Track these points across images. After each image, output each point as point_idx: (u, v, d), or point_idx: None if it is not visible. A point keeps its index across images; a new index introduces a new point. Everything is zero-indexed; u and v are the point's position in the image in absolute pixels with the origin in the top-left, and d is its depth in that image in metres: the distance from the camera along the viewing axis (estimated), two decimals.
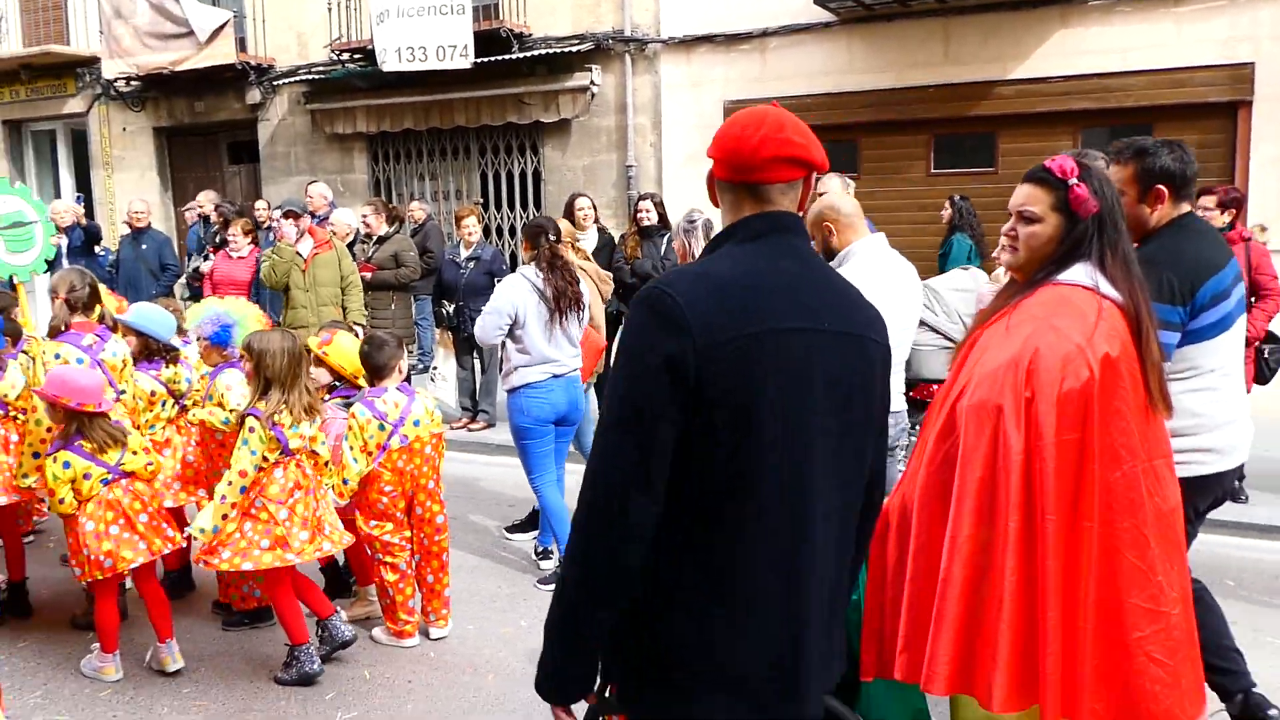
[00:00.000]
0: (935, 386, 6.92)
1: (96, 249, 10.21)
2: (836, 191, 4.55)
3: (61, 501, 4.13)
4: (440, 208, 11.82)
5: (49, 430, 4.53)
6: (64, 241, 9.79)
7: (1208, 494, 3.21)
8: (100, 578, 4.18)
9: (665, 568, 1.87)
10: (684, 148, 10.62)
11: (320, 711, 4.01)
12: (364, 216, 8.79)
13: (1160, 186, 3.10)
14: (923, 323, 6.82)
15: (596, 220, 8.18)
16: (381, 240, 8.65)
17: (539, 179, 11.59)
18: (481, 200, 11.76)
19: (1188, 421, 3.08)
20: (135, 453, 4.32)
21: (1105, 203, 2.41)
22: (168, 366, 5.05)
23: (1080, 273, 2.40)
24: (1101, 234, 2.40)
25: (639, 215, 8.06)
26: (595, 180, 10.98)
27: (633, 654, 1.91)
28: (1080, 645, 2.24)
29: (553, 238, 5.19)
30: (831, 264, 3.99)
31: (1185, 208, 3.17)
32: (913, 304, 4.17)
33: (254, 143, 13.12)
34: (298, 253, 7.45)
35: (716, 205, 2.07)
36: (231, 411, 4.53)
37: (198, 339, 4.78)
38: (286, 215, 7.53)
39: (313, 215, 8.95)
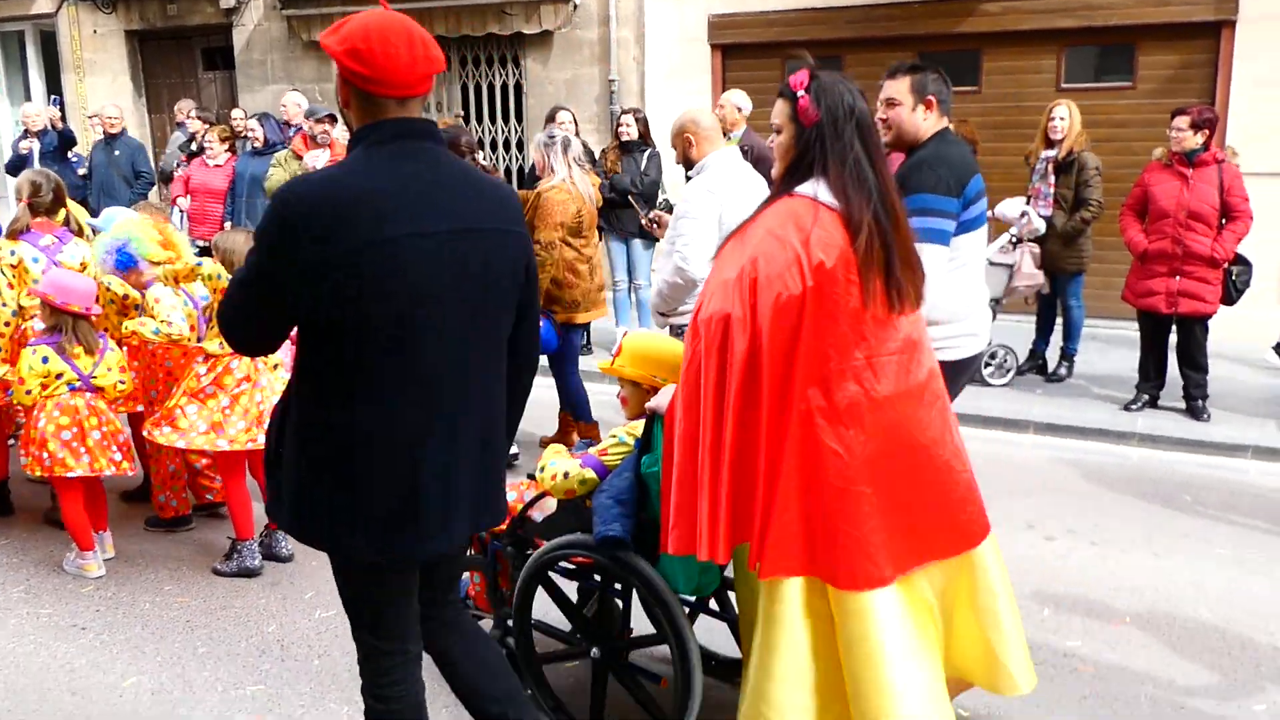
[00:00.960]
0: None
1: (70, 154, 10.05)
2: (701, 107, 5.05)
3: (29, 393, 4.28)
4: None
5: (13, 327, 4.71)
6: (36, 145, 9.65)
7: (968, 373, 3.63)
8: (39, 474, 4.37)
9: (308, 440, 2.21)
10: (667, 61, 10.48)
11: (298, 608, 4.13)
12: (346, 126, 8.67)
13: (930, 97, 3.54)
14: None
15: (578, 134, 8.11)
16: None
17: (520, 92, 11.43)
18: (462, 113, 11.60)
19: (955, 307, 3.45)
20: (110, 369, 4.40)
21: (828, 114, 2.59)
22: None
23: (808, 185, 2.61)
24: (823, 143, 2.59)
25: (620, 130, 8.01)
26: (577, 94, 10.84)
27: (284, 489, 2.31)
28: (785, 512, 2.57)
29: (465, 150, 5.27)
30: (690, 172, 4.44)
31: (946, 122, 3.63)
32: None
33: (229, 49, 12.84)
34: (313, 169, 7.31)
35: (346, 106, 2.24)
36: (163, 322, 4.52)
37: (108, 275, 4.71)
38: (320, 121, 7.37)
39: (288, 125, 8.85)
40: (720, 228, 4.15)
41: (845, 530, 2.56)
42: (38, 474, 4.37)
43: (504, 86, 11.51)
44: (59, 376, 4.29)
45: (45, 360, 4.25)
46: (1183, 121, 6.14)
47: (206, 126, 9.44)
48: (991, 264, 6.91)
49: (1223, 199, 6.11)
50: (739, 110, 7.33)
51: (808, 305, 2.51)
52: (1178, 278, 6.24)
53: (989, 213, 7.17)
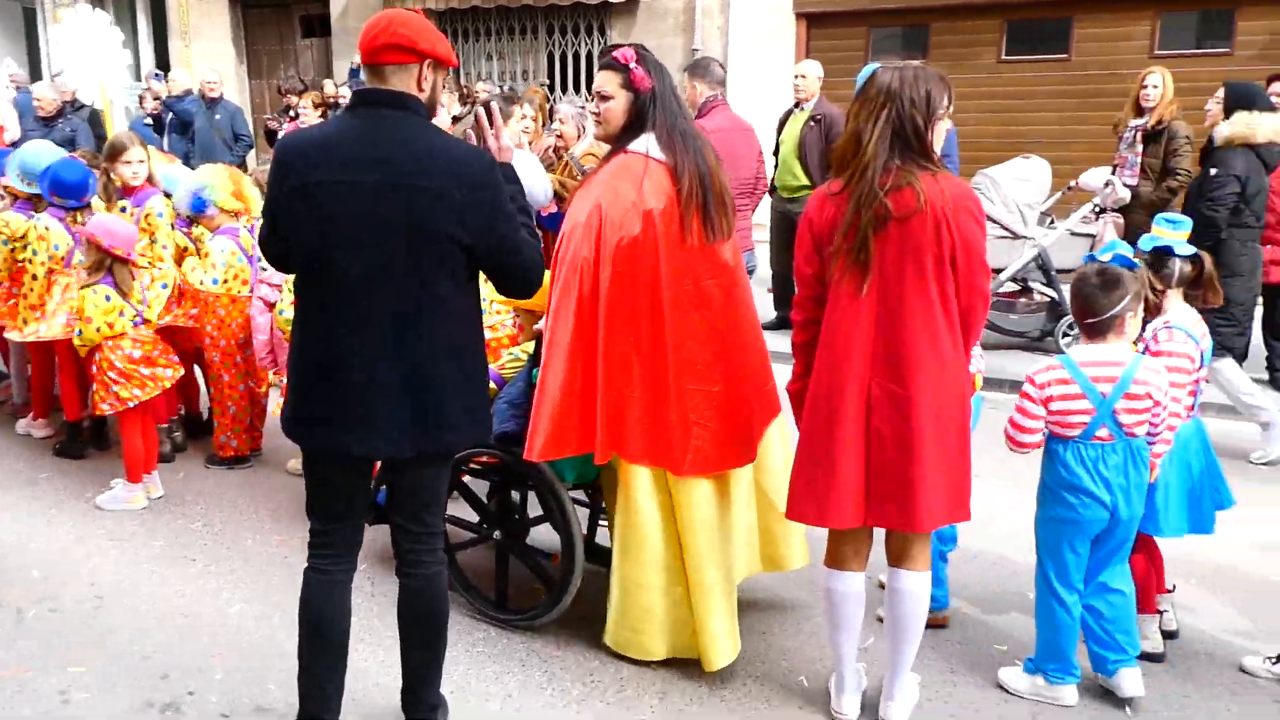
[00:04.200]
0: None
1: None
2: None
3: (97, 330, 4.58)
4: (506, 89, 11.88)
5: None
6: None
7: None
8: (116, 409, 4.69)
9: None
10: (752, 31, 10.51)
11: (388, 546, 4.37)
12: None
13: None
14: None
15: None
16: (456, 119, 8.82)
17: None
18: (547, 81, 11.80)
19: None
20: (149, 305, 4.83)
21: (659, 84, 3.16)
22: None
23: (639, 142, 3.16)
24: (655, 107, 3.15)
25: None
26: (661, 63, 10.91)
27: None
28: (630, 409, 3.14)
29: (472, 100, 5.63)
30: None
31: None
32: None
33: (326, 16, 13.21)
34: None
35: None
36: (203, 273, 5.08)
37: (183, 215, 5.27)
38: (508, 100, 7.60)
39: None
40: None
41: (704, 425, 3.16)
42: (115, 408, 4.67)
43: (589, 55, 11.66)
44: (121, 314, 4.63)
45: (108, 299, 4.58)
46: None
47: (290, 93, 9.84)
48: (1072, 234, 6.86)
49: None
50: (818, 79, 7.37)
51: (640, 244, 3.06)
52: (1268, 246, 6.09)
53: (1072, 182, 7.13)
